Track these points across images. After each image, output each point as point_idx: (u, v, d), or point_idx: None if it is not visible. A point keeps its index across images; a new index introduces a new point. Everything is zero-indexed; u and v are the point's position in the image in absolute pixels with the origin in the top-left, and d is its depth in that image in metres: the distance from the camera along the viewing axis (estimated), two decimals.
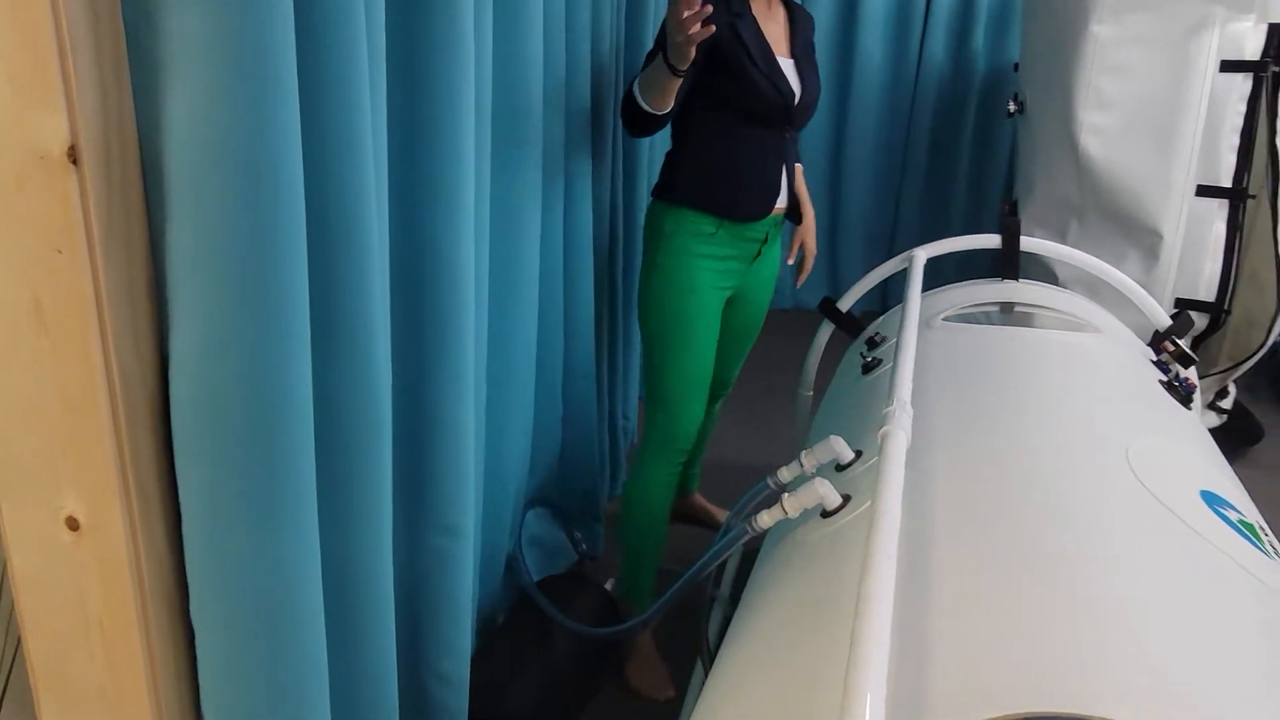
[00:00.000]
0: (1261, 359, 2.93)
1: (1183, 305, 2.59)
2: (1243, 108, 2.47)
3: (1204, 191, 2.52)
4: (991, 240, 1.90)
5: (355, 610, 0.94)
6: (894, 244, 4.21)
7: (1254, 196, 2.52)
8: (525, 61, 1.42)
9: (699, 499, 2.41)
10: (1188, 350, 1.52)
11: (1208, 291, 2.57)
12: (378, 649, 0.97)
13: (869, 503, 1.09)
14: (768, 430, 3.02)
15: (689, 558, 2.27)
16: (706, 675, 1.79)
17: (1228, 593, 0.91)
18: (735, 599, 2.06)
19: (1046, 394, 1.31)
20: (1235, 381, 2.95)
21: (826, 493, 1.13)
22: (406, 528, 1.08)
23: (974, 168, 4.02)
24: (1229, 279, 2.54)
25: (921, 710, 0.71)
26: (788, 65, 1.75)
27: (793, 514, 1.15)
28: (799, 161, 1.96)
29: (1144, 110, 2.50)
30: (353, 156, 0.80)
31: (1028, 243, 1.86)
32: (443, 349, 1.04)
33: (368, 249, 0.83)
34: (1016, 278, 1.88)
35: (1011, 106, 2.95)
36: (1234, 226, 2.52)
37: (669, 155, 1.85)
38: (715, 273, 1.79)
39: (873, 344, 1.75)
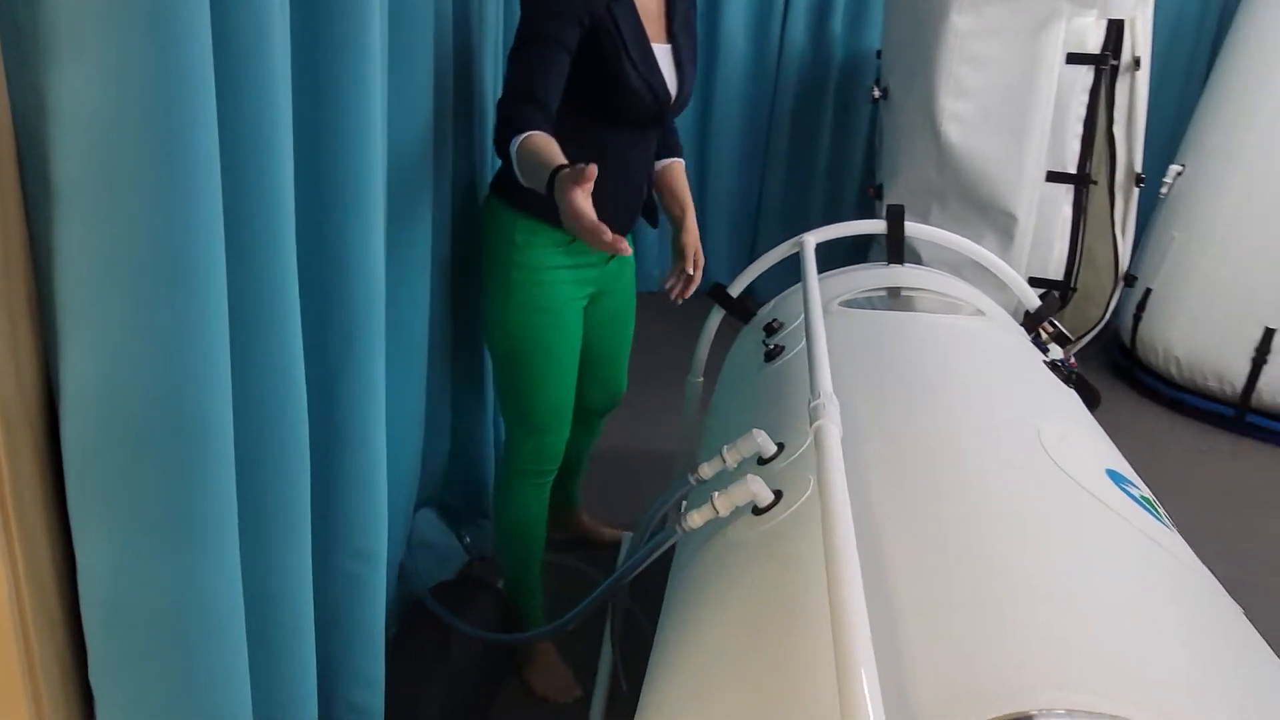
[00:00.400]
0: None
1: (1034, 284, 2.76)
2: (1085, 98, 2.64)
3: (1053, 177, 2.68)
4: (878, 225, 1.94)
5: (276, 643, 0.84)
6: (758, 229, 4.28)
7: (1095, 182, 2.70)
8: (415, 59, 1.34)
9: (583, 517, 2.28)
10: (1065, 331, 1.60)
11: (1056, 270, 2.75)
12: (298, 683, 0.88)
13: (803, 498, 1.09)
14: (650, 419, 3.01)
15: (594, 558, 2.23)
16: (618, 674, 1.77)
17: (1150, 567, 0.95)
18: (635, 596, 2.04)
19: (954, 379, 1.34)
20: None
21: (759, 489, 1.11)
22: (317, 553, 0.99)
23: (834, 153, 4.14)
24: (1075, 259, 2.72)
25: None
26: (664, 53, 1.57)
27: (724, 513, 1.13)
28: (679, 155, 1.83)
29: (999, 99, 2.63)
30: (270, 151, 0.70)
31: (913, 228, 1.91)
32: (352, 362, 0.95)
33: (285, 252, 0.74)
34: (902, 262, 1.93)
35: (875, 93, 3.04)
36: (1079, 210, 2.70)
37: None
38: (574, 283, 1.65)
39: (771, 330, 1.75)
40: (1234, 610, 0.98)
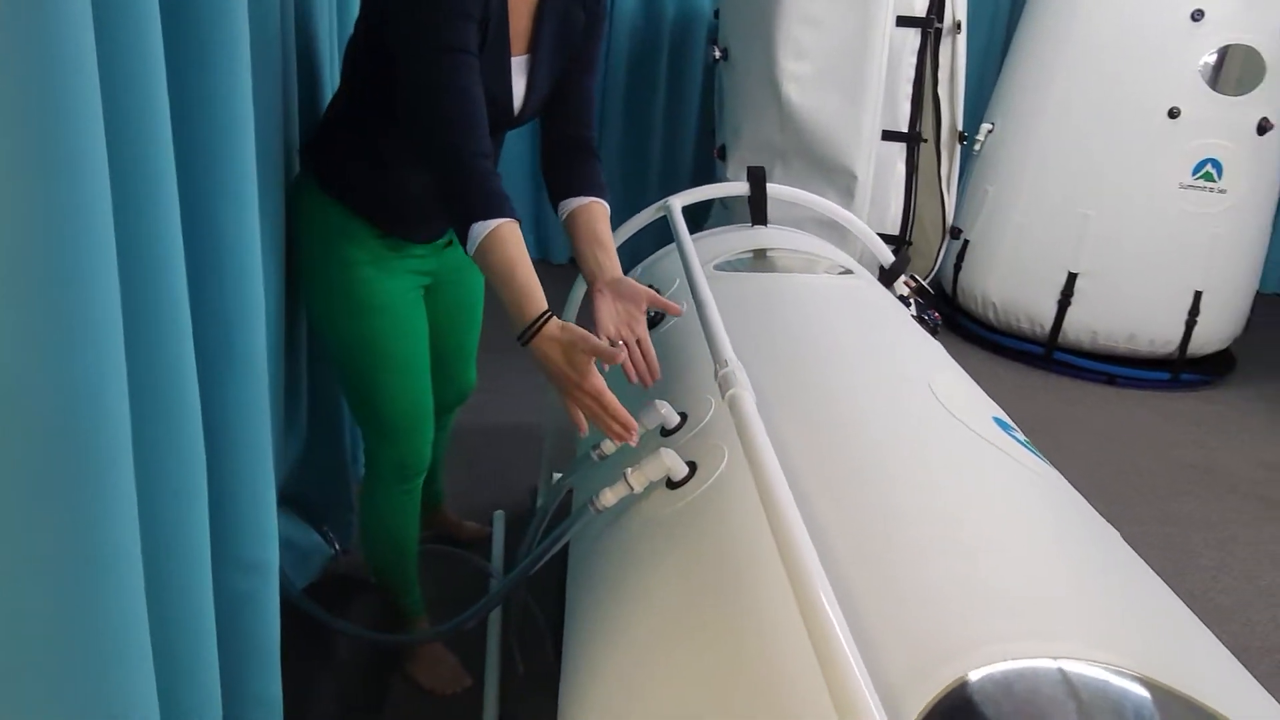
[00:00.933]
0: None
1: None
2: (914, 60, 2.75)
3: (888, 136, 2.80)
4: (740, 188, 1.95)
5: (176, 670, 0.74)
6: None
7: (926, 140, 2.84)
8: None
9: (448, 514, 2.14)
10: (926, 286, 1.67)
11: (893, 226, 2.88)
12: (202, 712, 0.77)
13: (720, 468, 1.07)
14: (506, 392, 2.93)
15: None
16: (514, 657, 1.72)
17: (1049, 506, 1.01)
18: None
19: (842, 338, 1.37)
20: None
21: (674, 463, 1.09)
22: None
23: (669, 115, 4.14)
24: (909, 215, 2.86)
25: (893, 687, 0.70)
26: (520, 64, 1.36)
27: (639, 489, 1.10)
28: (600, 194, 1.44)
29: (836, 60, 2.70)
30: (154, 144, 0.59)
31: (775, 189, 1.93)
32: (232, 357, 0.84)
33: (173, 247, 0.63)
34: (765, 223, 1.95)
35: (716, 53, 3.05)
36: (911, 167, 2.83)
37: (336, 122, 1.42)
38: (406, 274, 1.46)
39: None
40: (1115, 535, 1.06)
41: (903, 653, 0.75)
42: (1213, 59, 3.06)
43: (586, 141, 1.48)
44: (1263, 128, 3.12)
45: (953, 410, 1.16)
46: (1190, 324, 3.29)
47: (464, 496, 2.29)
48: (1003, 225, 3.46)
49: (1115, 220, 3.21)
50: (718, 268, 1.74)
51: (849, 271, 1.76)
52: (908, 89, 2.78)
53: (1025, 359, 3.52)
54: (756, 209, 1.93)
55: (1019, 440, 1.18)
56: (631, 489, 1.10)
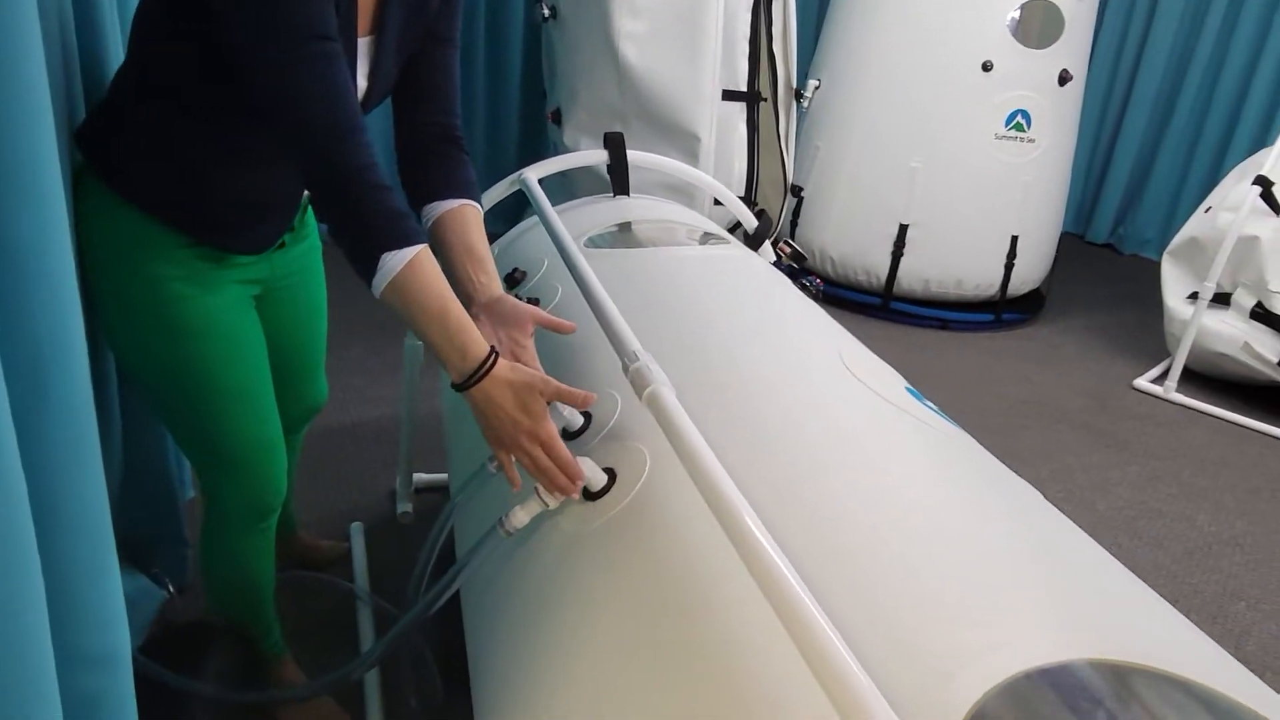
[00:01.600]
0: None
1: (720, 201, 2.83)
2: (749, 16, 2.71)
3: (728, 96, 2.74)
4: (598, 155, 1.83)
5: None
6: None
7: (765, 98, 2.81)
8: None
9: (302, 537, 1.90)
10: (800, 250, 1.62)
11: (739, 188, 2.84)
12: None
13: (644, 474, 0.97)
14: (349, 389, 2.69)
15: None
16: (404, 698, 1.55)
17: (985, 481, 0.97)
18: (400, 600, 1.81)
19: (740, 313, 1.29)
20: None
21: (593, 472, 0.97)
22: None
23: (491, 79, 3.93)
24: (753, 175, 2.83)
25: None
26: (363, 46, 1.13)
27: (555, 504, 0.98)
28: (471, 195, 1.24)
29: (672, 17, 2.61)
30: None
31: (635, 156, 1.83)
32: (49, 401, 0.65)
33: None
34: (628, 192, 1.84)
35: (545, 12, 2.88)
36: (752, 127, 2.80)
37: (124, 103, 1.12)
38: (228, 285, 1.20)
39: (514, 280, 1.58)
40: (1038, 495, 1.04)
41: (901, 668, 0.68)
42: (1018, 14, 3.21)
43: (451, 131, 1.27)
44: (1063, 78, 3.31)
45: (869, 384, 1.11)
46: (1009, 267, 3.48)
47: (313, 509, 2.07)
48: (835, 180, 3.52)
49: (940, 172, 3.33)
50: (586, 245, 1.62)
51: (722, 240, 1.69)
52: (744, 47, 2.73)
53: (864, 310, 3.62)
54: (618, 178, 1.82)
55: (933, 409, 1.14)
56: (546, 505, 0.98)
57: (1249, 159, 3.22)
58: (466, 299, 1.15)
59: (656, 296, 1.34)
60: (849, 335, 1.34)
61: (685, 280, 1.41)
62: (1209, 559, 2.26)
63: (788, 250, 1.66)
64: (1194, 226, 3.17)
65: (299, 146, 0.98)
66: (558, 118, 3.01)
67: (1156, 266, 4.76)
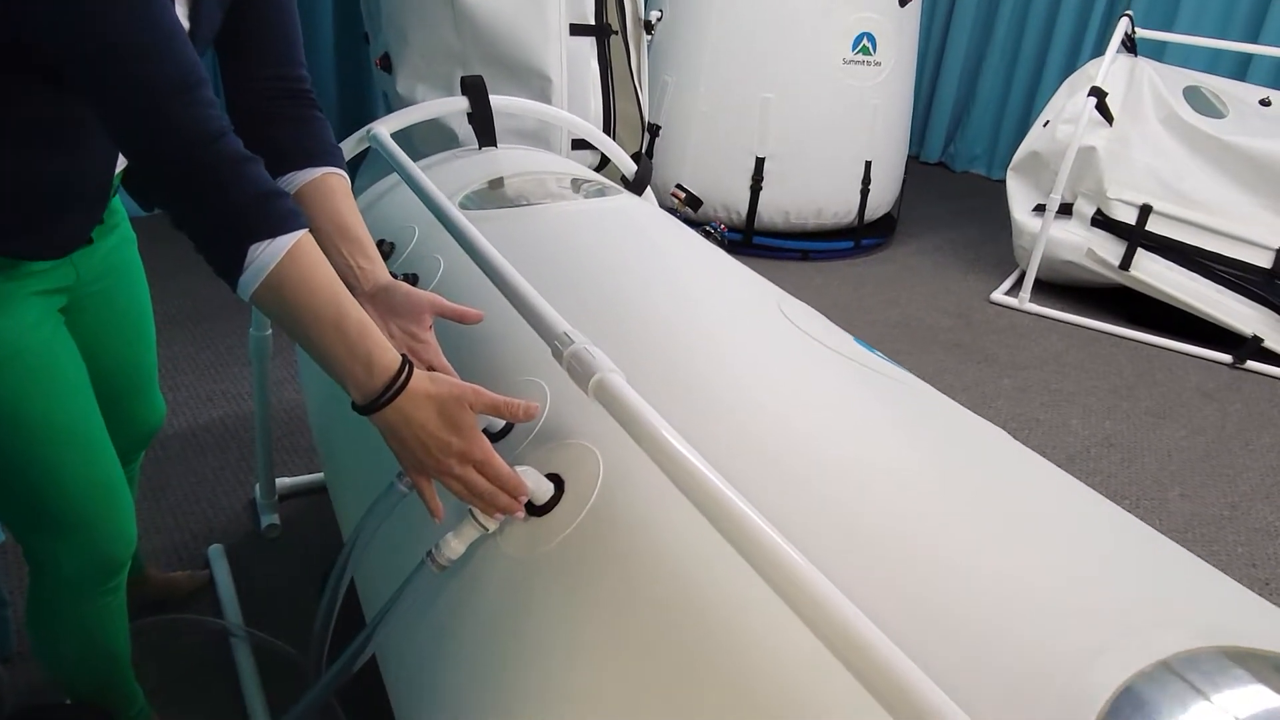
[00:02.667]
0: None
1: (579, 146, 2.65)
2: None
3: (576, 30, 2.54)
4: (459, 103, 1.61)
5: None
6: None
7: (616, 31, 2.63)
8: None
9: (152, 574, 1.61)
10: (695, 195, 1.48)
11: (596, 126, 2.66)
12: None
13: (597, 482, 0.81)
14: (181, 390, 2.36)
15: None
16: None
17: (970, 434, 0.88)
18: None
19: (659, 270, 1.14)
20: None
21: (538, 483, 0.81)
22: None
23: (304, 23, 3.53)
24: (610, 114, 2.66)
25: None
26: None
27: (494, 526, 0.81)
28: (335, 163, 1.03)
29: None
30: None
31: (499, 102, 1.62)
32: None
33: None
34: (495, 143, 1.64)
35: None
36: (604, 63, 2.61)
37: None
38: (26, 299, 0.94)
39: (382, 254, 1.36)
40: (1004, 434, 0.96)
41: (986, 680, 0.57)
42: None
43: (299, 85, 1.03)
44: (903, 0, 3.30)
45: (822, 340, 1.00)
46: (865, 192, 3.49)
47: (160, 537, 1.79)
48: (688, 116, 3.39)
49: (792, 102, 3.27)
50: (460, 207, 1.41)
51: (611, 190, 1.53)
52: None
53: (727, 248, 3.54)
54: (482, 126, 1.61)
55: (881, 356, 1.04)
56: (484, 529, 0.81)
57: (1077, 72, 3.33)
58: (346, 284, 0.95)
59: (556, 261, 1.17)
60: (773, 284, 1.22)
61: (585, 239, 1.24)
62: (1089, 462, 2.34)
63: (681, 195, 1.51)
64: (1034, 141, 3.26)
65: (122, 111, 0.74)
66: (387, 64, 2.71)
67: (988, 182, 4.98)
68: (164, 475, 1.98)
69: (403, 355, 0.78)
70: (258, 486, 1.90)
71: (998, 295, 3.28)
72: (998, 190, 4.68)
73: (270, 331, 1.69)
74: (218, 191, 0.74)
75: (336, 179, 0.99)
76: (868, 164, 3.44)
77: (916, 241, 3.87)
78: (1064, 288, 3.33)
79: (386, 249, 1.36)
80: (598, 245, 1.22)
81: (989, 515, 0.73)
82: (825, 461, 0.78)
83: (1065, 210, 3.15)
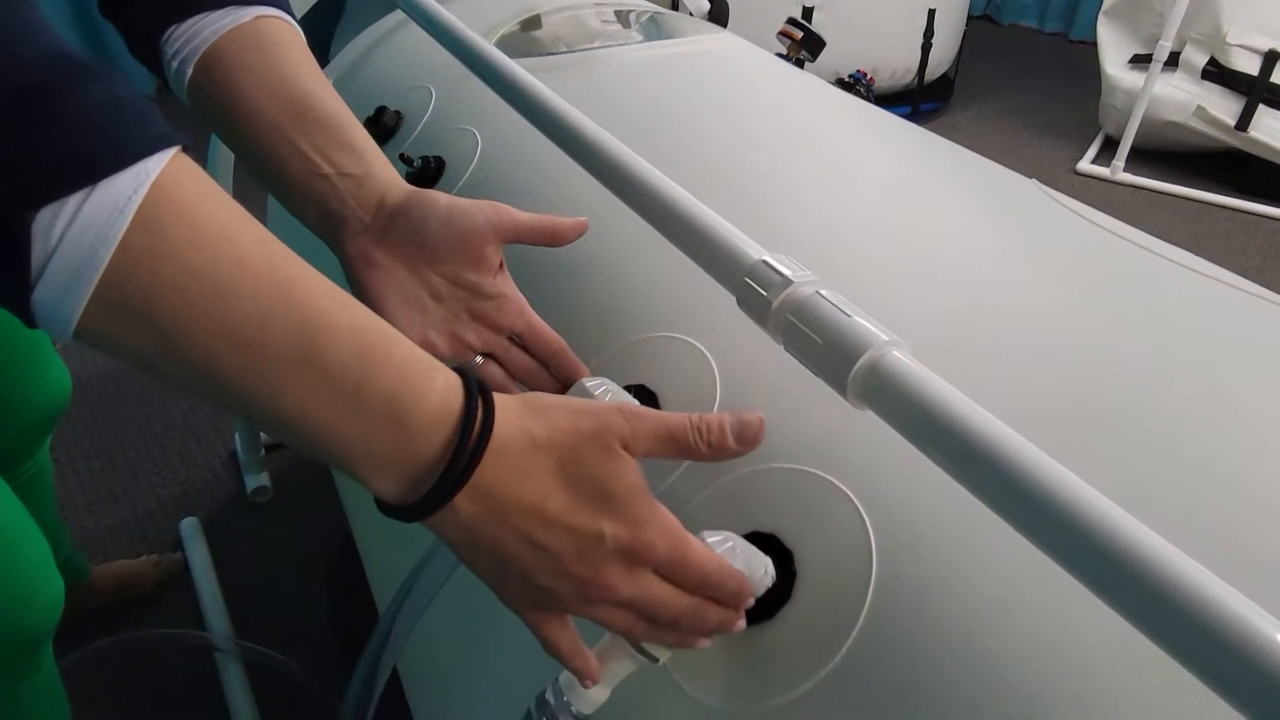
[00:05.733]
0: None
1: None
2: None
3: None
4: None
5: None
6: None
7: None
8: None
9: (100, 578, 1.23)
10: (816, 33, 1.04)
11: None
12: None
13: (872, 565, 0.42)
14: None
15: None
16: None
17: None
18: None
19: (812, 143, 0.72)
20: None
21: (752, 565, 0.42)
22: None
23: None
24: None
25: None
26: None
27: (666, 656, 0.42)
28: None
29: None
30: None
31: None
32: None
33: None
34: None
35: None
36: None
37: None
38: None
39: (383, 130, 0.92)
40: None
41: None
42: None
43: None
44: None
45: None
46: (926, 48, 2.98)
47: (118, 508, 1.42)
48: None
49: None
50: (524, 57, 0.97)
51: (697, 27, 1.09)
52: None
53: None
54: None
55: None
56: (652, 659, 0.42)
57: None
58: (331, 225, 0.53)
59: (649, 134, 0.75)
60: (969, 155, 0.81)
61: (681, 96, 0.82)
62: None
63: (796, 34, 1.07)
64: None
65: None
66: None
67: (1041, 36, 4.43)
68: (119, 424, 1.59)
69: (460, 371, 0.37)
70: (238, 437, 1.52)
71: (1085, 165, 2.84)
72: (1053, 45, 4.15)
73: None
74: (46, 105, 0.29)
75: (281, 26, 0.54)
76: (931, 12, 2.92)
77: (977, 106, 3.39)
78: (1160, 154, 2.88)
79: (390, 121, 0.92)
80: (702, 105, 0.80)
81: None
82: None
83: (1170, 62, 2.68)
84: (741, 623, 0.40)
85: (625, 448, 0.37)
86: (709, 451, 0.39)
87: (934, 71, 3.14)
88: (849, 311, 0.40)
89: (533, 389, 0.55)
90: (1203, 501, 0.41)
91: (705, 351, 0.53)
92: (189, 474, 1.50)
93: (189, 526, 1.38)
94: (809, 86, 0.90)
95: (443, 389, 0.36)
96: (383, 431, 0.34)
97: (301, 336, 0.33)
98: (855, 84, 0.99)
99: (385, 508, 0.36)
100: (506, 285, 0.53)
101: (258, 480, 1.45)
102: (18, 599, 0.68)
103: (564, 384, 0.54)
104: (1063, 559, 0.31)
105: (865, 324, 0.39)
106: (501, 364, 0.55)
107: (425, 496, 0.35)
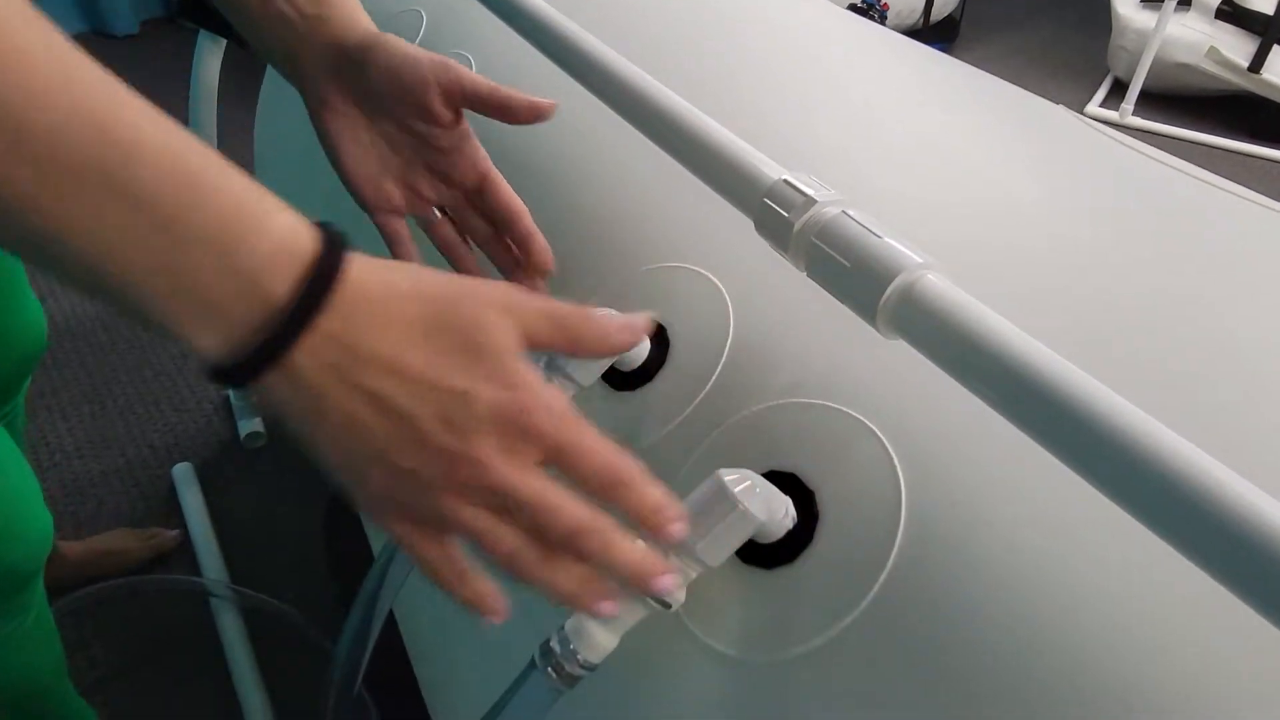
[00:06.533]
0: None
1: None
2: None
3: None
4: None
5: None
6: None
7: None
8: None
9: (71, 552, 1.16)
10: None
11: None
12: None
13: (901, 515, 0.39)
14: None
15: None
16: None
17: None
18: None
19: (826, 71, 0.68)
20: None
21: (768, 503, 0.39)
22: None
23: None
24: None
25: None
26: None
27: (681, 598, 0.40)
28: None
29: None
30: None
31: None
32: None
33: None
34: None
35: None
36: None
37: None
38: None
39: None
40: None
41: None
42: None
43: None
44: None
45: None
46: None
47: (109, 454, 1.39)
48: None
49: None
50: None
51: None
52: None
53: None
54: None
55: None
56: (664, 606, 0.39)
57: None
58: (292, 67, 0.51)
59: (667, 57, 0.71)
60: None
61: (705, 22, 0.77)
62: None
63: None
64: None
65: None
66: None
67: None
68: (109, 370, 1.56)
69: (322, 226, 0.32)
70: None
71: (1093, 108, 2.78)
72: None
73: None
74: None
75: None
76: None
77: (984, 47, 3.30)
78: (1170, 98, 2.82)
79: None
80: (714, 27, 0.75)
81: None
82: None
83: (1183, 1, 2.60)
84: (670, 579, 0.35)
85: (515, 313, 0.33)
86: (606, 346, 0.36)
87: (939, 12, 3.06)
88: (879, 232, 0.36)
89: (488, 255, 0.54)
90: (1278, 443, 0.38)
91: (717, 282, 0.49)
92: (181, 420, 1.47)
93: (182, 471, 1.36)
94: (822, 5, 0.85)
95: (287, 226, 0.31)
96: (210, 268, 0.29)
97: (102, 151, 0.27)
98: (869, 9, 0.94)
99: (212, 373, 0.31)
100: (465, 140, 0.52)
101: (251, 425, 1.43)
102: (5, 532, 0.65)
103: (520, 255, 0.53)
104: (1123, 497, 0.28)
105: (897, 245, 0.36)
106: (456, 223, 0.54)
107: (260, 348, 0.30)
